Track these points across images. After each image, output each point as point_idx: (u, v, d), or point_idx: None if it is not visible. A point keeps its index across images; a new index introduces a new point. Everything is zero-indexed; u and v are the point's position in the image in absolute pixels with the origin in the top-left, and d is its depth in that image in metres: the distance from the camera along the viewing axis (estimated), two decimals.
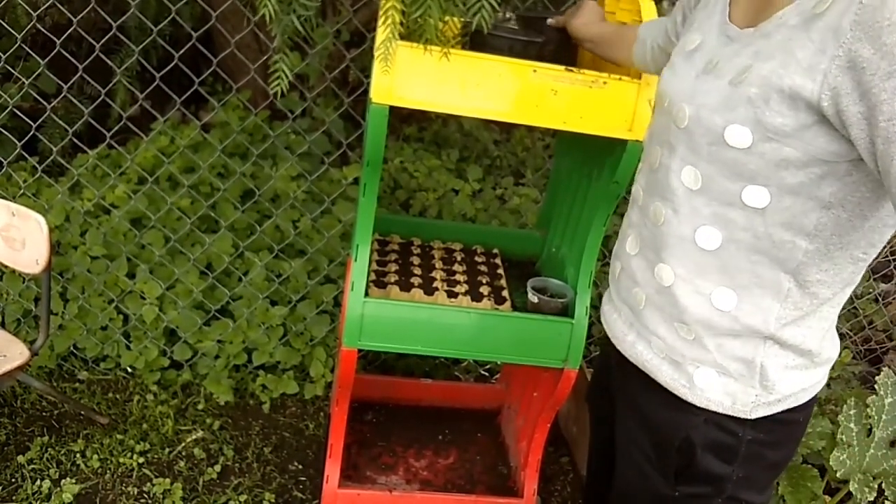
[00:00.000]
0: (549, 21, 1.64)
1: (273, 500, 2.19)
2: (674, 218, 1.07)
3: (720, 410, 1.10)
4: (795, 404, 1.12)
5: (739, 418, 1.10)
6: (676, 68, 1.12)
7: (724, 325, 1.07)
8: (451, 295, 1.80)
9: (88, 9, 2.37)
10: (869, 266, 1.08)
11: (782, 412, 1.11)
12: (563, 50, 1.64)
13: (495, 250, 2.10)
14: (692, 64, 1.08)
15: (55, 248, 2.63)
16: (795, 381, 1.10)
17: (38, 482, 2.12)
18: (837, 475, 1.90)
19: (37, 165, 2.58)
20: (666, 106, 1.10)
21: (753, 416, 1.10)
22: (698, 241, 1.05)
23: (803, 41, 0.90)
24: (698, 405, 1.11)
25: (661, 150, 1.10)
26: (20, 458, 2.18)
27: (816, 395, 1.15)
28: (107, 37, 2.40)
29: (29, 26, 2.40)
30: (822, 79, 0.88)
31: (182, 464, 2.26)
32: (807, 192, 0.96)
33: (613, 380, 1.31)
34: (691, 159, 1.03)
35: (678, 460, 1.16)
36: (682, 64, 1.11)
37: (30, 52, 2.40)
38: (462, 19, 1.46)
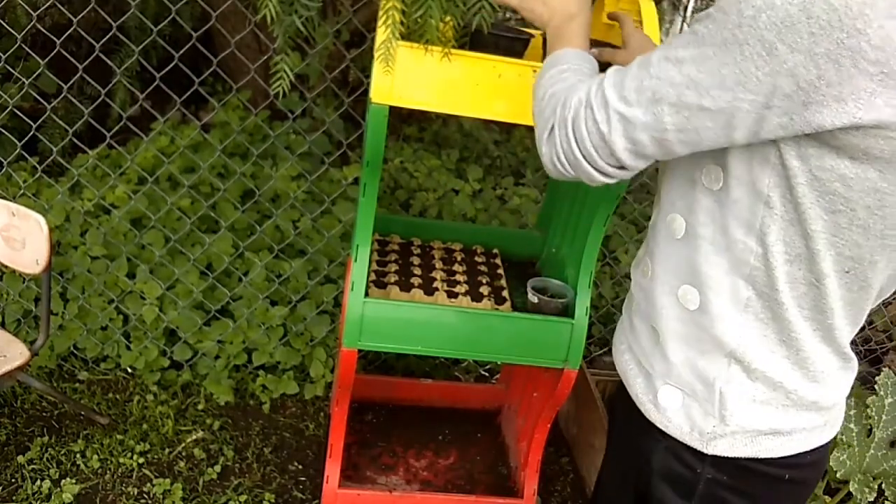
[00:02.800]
0: (593, 52, 1.48)
1: (273, 501, 2.19)
2: (658, 209, 1.06)
3: (677, 436, 1.04)
4: (770, 454, 1.01)
5: (697, 451, 1.03)
6: None
7: (689, 330, 1.01)
8: (451, 295, 1.80)
9: (88, 9, 2.37)
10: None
11: (753, 459, 1.02)
12: None
13: (495, 250, 2.10)
14: None
15: (55, 248, 2.63)
16: (760, 419, 1.00)
17: (38, 482, 2.12)
18: (837, 475, 1.90)
19: (37, 165, 2.58)
20: None
21: (710, 451, 1.02)
22: (670, 229, 1.01)
23: None
24: (659, 427, 1.06)
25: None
26: (20, 458, 2.18)
27: (811, 454, 1.04)
28: (107, 37, 2.40)
29: (29, 26, 2.40)
30: None
31: (182, 464, 2.26)
32: (748, 181, 0.90)
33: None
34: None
35: (639, 486, 1.12)
36: None
37: (30, 52, 2.40)
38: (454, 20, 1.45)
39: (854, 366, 1.05)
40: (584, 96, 0.95)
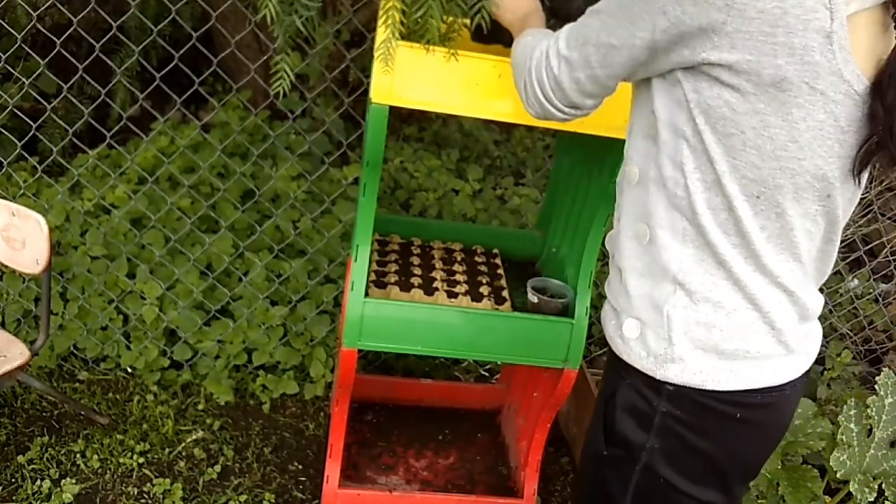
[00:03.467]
0: None
1: (273, 500, 2.19)
2: (624, 163, 1.18)
3: (637, 364, 1.14)
4: (717, 387, 1.10)
5: (653, 381, 1.12)
6: None
7: (643, 264, 1.13)
8: (451, 295, 1.80)
9: (88, 9, 2.37)
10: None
11: (698, 391, 1.10)
12: None
13: (495, 250, 2.10)
14: None
15: (55, 248, 2.63)
16: (704, 339, 1.09)
17: (38, 482, 2.12)
18: (837, 475, 1.90)
19: (37, 165, 2.58)
20: None
21: (661, 377, 1.11)
22: (627, 176, 1.15)
23: None
24: (623, 359, 1.16)
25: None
26: (20, 458, 2.18)
27: (761, 394, 1.12)
28: (107, 37, 2.40)
29: (29, 26, 2.40)
30: None
31: (182, 464, 2.26)
32: (670, 121, 1.05)
33: None
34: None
35: (608, 420, 1.20)
36: None
37: (30, 52, 2.40)
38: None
39: (802, 307, 1.12)
40: (545, 48, 1.15)
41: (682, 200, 1.06)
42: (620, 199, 1.19)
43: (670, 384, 1.11)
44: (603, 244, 1.80)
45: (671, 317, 1.10)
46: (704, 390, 1.10)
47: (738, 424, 1.13)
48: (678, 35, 0.98)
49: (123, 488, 2.16)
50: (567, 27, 1.14)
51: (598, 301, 1.39)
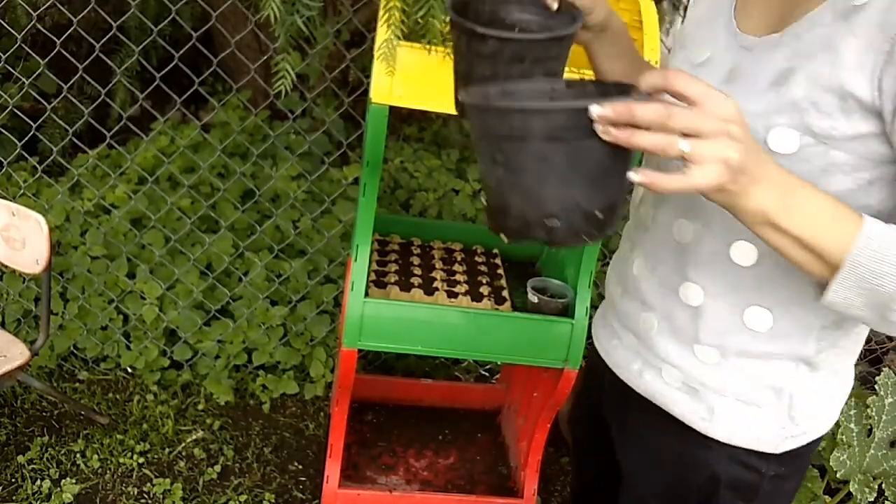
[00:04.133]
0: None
1: (273, 500, 2.19)
2: (706, 233, 0.99)
3: (744, 445, 1.03)
4: (819, 434, 1.07)
5: (764, 453, 1.04)
6: None
7: (755, 347, 1.00)
8: (451, 295, 1.80)
9: (88, 9, 2.37)
10: None
11: (807, 444, 1.06)
12: None
13: (495, 250, 2.10)
14: (705, 77, 0.92)
15: (55, 248, 2.63)
16: (823, 410, 1.05)
17: (38, 482, 2.12)
18: (837, 475, 1.90)
19: (37, 165, 2.58)
20: None
21: (780, 451, 1.04)
22: (733, 257, 0.97)
23: (846, 37, 0.85)
24: (720, 440, 1.04)
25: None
26: (20, 458, 2.18)
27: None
28: (107, 37, 2.40)
29: (29, 26, 2.40)
30: (871, 75, 0.83)
31: (182, 464, 2.26)
32: (853, 199, 0.87)
33: (607, 407, 1.24)
34: None
35: (697, 499, 1.09)
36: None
37: (30, 52, 2.40)
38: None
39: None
40: None
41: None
42: (711, 270, 1.00)
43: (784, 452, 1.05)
44: (603, 244, 1.80)
45: (794, 395, 1.02)
46: (815, 439, 1.07)
47: (812, 451, 1.10)
48: None
49: (123, 488, 2.16)
50: None
51: (598, 301, 1.38)
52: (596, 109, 0.71)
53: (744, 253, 0.96)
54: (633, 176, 0.76)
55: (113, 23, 2.32)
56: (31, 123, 2.47)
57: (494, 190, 0.81)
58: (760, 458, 1.04)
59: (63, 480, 2.14)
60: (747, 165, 0.75)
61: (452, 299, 1.79)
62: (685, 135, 0.72)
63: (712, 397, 1.03)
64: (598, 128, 0.72)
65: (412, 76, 1.45)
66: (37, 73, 2.61)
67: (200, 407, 2.46)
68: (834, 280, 0.81)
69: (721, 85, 0.96)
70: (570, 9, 0.98)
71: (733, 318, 1.00)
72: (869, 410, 1.93)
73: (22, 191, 2.70)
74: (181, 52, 2.34)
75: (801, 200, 0.80)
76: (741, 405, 1.02)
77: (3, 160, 2.56)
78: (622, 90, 0.81)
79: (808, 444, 1.07)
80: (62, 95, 2.45)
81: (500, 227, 0.83)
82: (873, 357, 3.08)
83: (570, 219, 0.77)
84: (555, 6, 0.96)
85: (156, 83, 2.32)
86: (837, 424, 1.94)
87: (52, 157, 2.49)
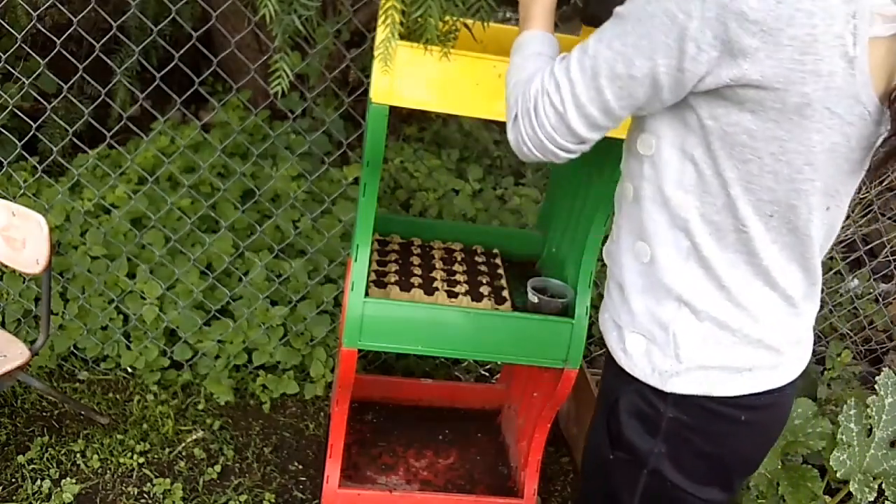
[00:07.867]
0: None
1: (273, 500, 2.19)
2: (621, 179, 1.18)
3: (642, 378, 1.14)
4: (722, 393, 1.11)
5: (659, 390, 1.13)
6: None
7: (645, 281, 1.12)
8: (452, 295, 1.80)
9: (88, 9, 2.37)
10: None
11: (707, 398, 1.11)
12: None
13: (495, 250, 2.10)
14: None
15: (55, 248, 2.63)
16: (710, 356, 1.10)
17: (38, 482, 2.12)
18: (837, 475, 1.90)
19: (37, 165, 2.58)
20: None
21: (668, 389, 1.12)
22: (624, 193, 1.14)
23: None
24: (627, 371, 1.17)
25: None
26: (20, 458, 2.18)
27: (764, 396, 1.13)
28: (107, 37, 2.40)
29: (29, 26, 2.40)
30: None
31: (182, 464, 2.26)
32: (676, 143, 1.03)
33: None
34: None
35: (613, 424, 1.21)
36: None
37: (30, 52, 2.40)
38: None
39: (803, 312, 1.14)
40: (540, 85, 1.07)
41: (687, 222, 1.05)
42: (619, 215, 1.18)
43: (677, 393, 1.13)
44: (603, 244, 1.80)
45: (677, 335, 1.11)
46: (711, 397, 1.12)
47: (742, 426, 1.15)
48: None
49: (123, 488, 2.16)
50: (572, 58, 1.05)
51: (599, 301, 1.38)
52: None
53: (626, 190, 1.14)
54: None
55: (113, 23, 2.32)
56: (32, 123, 2.47)
57: None
58: (657, 395, 1.14)
59: (63, 480, 2.14)
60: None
61: (452, 299, 1.79)
62: None
63: (626, 333, 1.17)
64: None
65: (412, 76, 1.45)
66: (37, 73, 2.60)
67: (200, 407, 2.46)
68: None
69: None
70: None
71: (629, 255, 1.14)
72: (869, 410, 1.93)
73: (22, 191, 2.69)
74: (181, 52, 2.33)
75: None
76: (644, 341, 1.15)
77: (3, 160, 2.56)
78: None
79: (718, 402, 1.12)
80: (62, 95, 2.45)
81: None
82: (873, 357, 3.08)
83: None
84: None
85: (156, 83, 2.32)
86: (836, 423, 1.94)
87: (52, 157, 2.49)
